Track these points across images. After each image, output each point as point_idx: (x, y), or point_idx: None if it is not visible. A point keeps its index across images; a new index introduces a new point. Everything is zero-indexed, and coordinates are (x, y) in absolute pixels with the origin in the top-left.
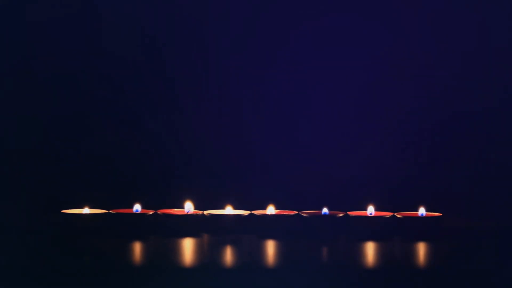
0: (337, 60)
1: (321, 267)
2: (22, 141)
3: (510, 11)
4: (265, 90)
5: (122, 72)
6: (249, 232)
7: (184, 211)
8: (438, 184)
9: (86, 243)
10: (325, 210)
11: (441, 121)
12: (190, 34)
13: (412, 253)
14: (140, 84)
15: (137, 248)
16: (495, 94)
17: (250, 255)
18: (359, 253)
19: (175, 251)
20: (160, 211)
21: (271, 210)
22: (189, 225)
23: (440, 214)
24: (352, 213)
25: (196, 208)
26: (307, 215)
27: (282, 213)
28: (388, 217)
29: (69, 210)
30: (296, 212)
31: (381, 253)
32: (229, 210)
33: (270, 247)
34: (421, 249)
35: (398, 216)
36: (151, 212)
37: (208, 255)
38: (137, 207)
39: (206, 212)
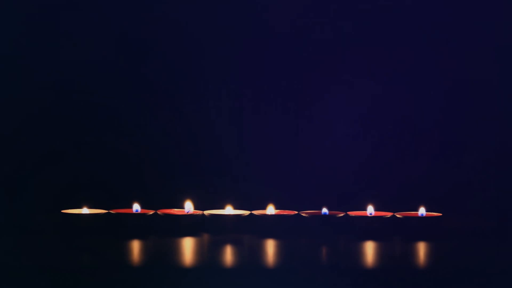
0: (337, 60)
1: (321, 267)
2: (22, 141)
3: None
4: (265, 90)
5: (122, 72)
6: (249, 232)
7: (184, 211)
8: (438, 184)
9: (85, 243)
10: (325, 210)
11: (441, 121)
12: (191, 34)
13: (412, 253)
14: (140, 84)
15: (137, 248)
16: (495, 94)
17: (250, 255)
18: (359, 253)
19: (175, 251)
20: (160, 211)
21: (271, 210)
22: (189, 225)
23: (440, 214)
24: (352, 213)
25: (196, 208)
26: (307, 215)
27: (282, 213)
28: (388, 217)
29: (69, 210)
30: (296, 212)
31: (381, 253)
32: (229, 210)
33: (270, 247)
34: (421, 249)
35: (398, 216)
36: (151, 212)
37: (208, 255)
38: (137, 207)
39: (206, 212)
